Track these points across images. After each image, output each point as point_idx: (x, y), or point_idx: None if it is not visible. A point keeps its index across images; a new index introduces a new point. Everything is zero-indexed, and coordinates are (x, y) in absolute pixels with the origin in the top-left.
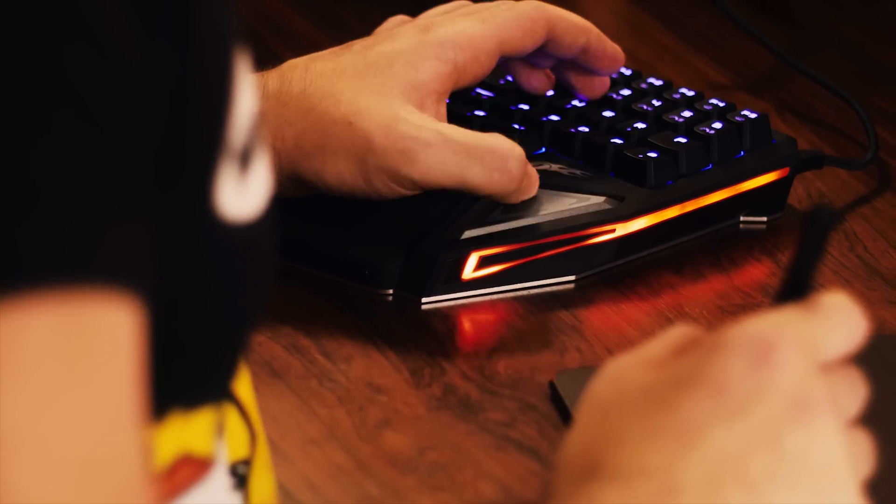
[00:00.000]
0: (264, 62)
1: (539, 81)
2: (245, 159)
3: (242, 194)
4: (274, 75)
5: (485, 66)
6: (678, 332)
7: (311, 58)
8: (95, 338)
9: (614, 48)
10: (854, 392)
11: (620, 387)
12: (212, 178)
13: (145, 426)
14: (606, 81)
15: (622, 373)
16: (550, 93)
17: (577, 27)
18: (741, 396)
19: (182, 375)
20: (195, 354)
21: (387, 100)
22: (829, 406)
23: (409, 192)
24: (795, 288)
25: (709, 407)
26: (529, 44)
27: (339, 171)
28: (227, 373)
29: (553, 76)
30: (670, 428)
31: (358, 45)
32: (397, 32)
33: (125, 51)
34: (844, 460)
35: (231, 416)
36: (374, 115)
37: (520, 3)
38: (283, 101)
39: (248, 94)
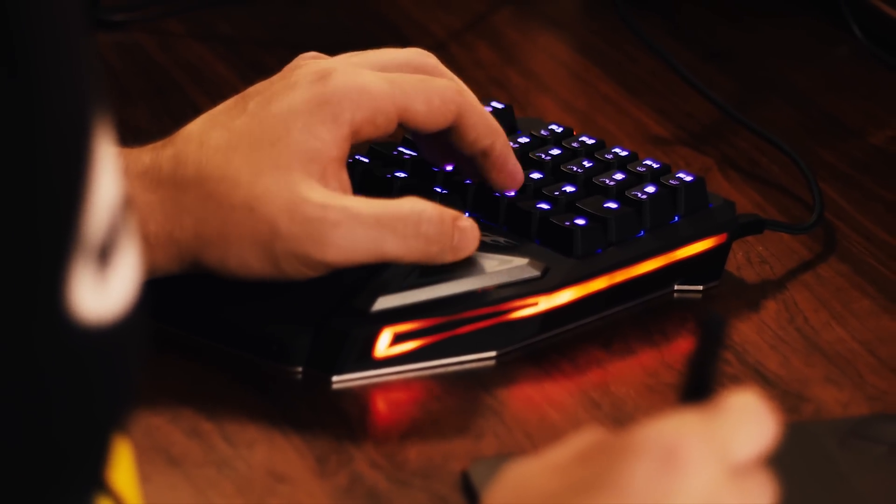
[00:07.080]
0: (182, 112)
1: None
2: (105, 254)
3: (102, 292)
4: (168, 154)
5: (380, 129)
6: (584, 438)
7: (206, 123)
8: None
9: (516, 166)
10: (764, 495)
11: (520, 493)
12: (63, 278)
13: None
14: (520, 174)
15: (523, 479)
16: None
17: (487, 126)
18: (647, 502)
19: (36, 490)
20: (54, 459)
21: (286, 176)
22: None
23: (322, 274)
24: (698, 388)
25: None
26: (432, 123)
27: (244, 260)
28: (88, 482)
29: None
30: None
31: (253, 101)
32: (294, 81)
33: None
34: None
35: None
36: (275, 197)
37: (437, 78)
38: (180, 185)
39: (108, 183)
